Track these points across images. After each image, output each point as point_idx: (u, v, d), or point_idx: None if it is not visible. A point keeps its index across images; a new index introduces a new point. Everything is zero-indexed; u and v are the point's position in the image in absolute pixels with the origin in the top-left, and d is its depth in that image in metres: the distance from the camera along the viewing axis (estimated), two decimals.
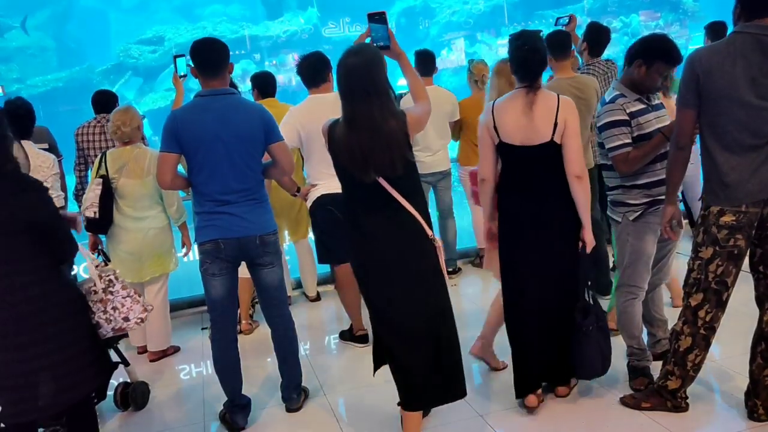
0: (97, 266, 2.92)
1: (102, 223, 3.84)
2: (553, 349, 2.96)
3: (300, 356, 3.91)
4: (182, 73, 4.30)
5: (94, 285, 2.78)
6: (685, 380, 2.77)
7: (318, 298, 5.01)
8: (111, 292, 2.83)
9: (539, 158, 2.81)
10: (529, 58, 2.80)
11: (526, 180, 2.87)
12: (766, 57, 2.41)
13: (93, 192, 3.80)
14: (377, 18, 2.73)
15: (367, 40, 2.77)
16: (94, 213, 3.78)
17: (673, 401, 2.81)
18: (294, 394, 3.26)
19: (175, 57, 4.38)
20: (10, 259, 2.35)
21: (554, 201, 2.83)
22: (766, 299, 2.65)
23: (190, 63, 3.00)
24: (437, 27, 14.21)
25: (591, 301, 2.90)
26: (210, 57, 2.92)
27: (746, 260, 2.65)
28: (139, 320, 2.91)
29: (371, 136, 2.46)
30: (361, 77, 2.47)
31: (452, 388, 2.70)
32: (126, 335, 3.40)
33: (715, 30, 5.37)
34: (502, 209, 2.96)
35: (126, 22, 14.40)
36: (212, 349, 3.14)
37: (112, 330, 2.82)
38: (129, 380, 3.49)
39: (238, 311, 4.26)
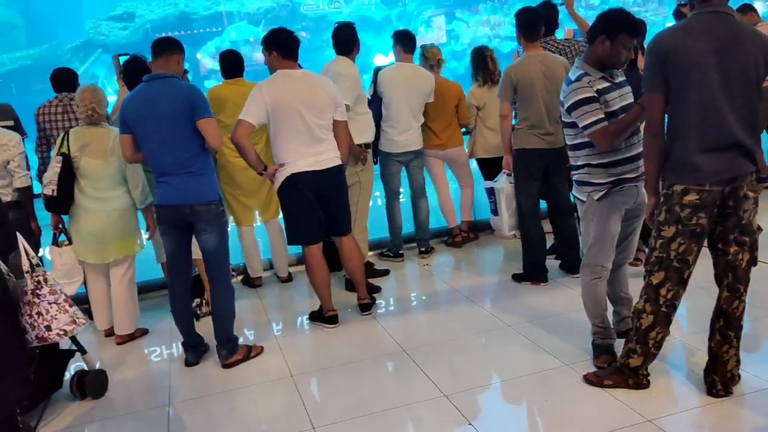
0: (35, 264, 2.70)
1: (61, 202, 3.79)
2: None
3: (270, 338, 3.94)
4: None
5: (26, 285, 2.59)
6: (646, 357, 2.80)
7: (289, 278, 4.98)
8: (38, 295, 2.65)
9: None
10: None
11: None
12: (732, 32, 2.45)
13: (53, 170, 3.74)
14: None
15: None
16: (53, 191, 3.74)
17: (635, 378, 2.84)
18: (223, 351, 3.56)
19: (117, 57, 4.28)
20: None
21: None
22: (725, 276, 2.68)
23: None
24: (414, 3, 14.04)
25: None
26: (160, 43, 3.44)
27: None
28: (62, 332, 2.70)
29: None
30: None
31: None
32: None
33: (682, 14, 5.38)
34: None
35: None
36: (168, 296, 3.66)
37: (36, 338, 2.61)
38: (86, 368, 3.37)
39: (205, 293, 4.27)
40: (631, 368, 2.83)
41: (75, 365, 3.57)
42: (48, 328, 2.66)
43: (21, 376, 2.25)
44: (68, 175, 3.74)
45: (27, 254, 2.68)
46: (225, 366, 3.55)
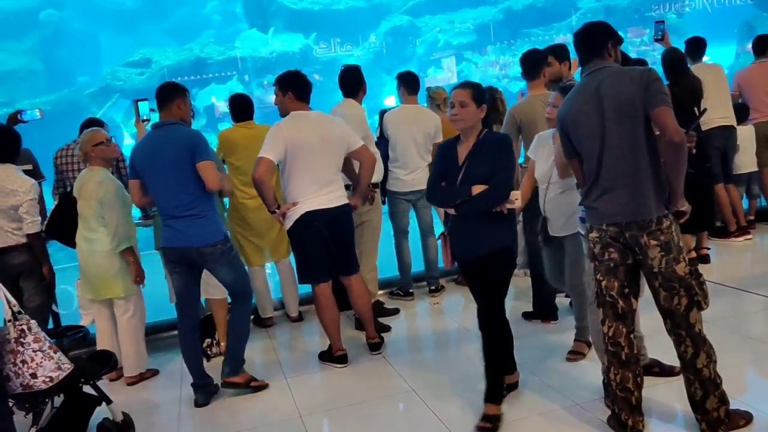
0: (16, 312, 2.71)
1: (54, 237, 4.08)
2: None
3: (280, 377, 3.93)
4: (144, 117, 4.30)
5: (9, 333, 2.62)
6: (616, 402, 2.77)
7: (300, 318, 4.99)
8: (22, 344, 2.65)
9: None
10: None
11: None
12: (599, 81, 2.65)
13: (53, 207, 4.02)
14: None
15: None
16: (43, 227, 3.98)
17: (619, 426, 2.79)
18: (227, 368, 3.66)
19: (137, 101, 4.37)
20: None
21: None
22: (665, 322, 2.70)
23: (153, 107, 3.51)
24: (424, 46, 14.34)
25: None
26: (158, 95, 3.57)
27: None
28: (48, 379, 2.68)
29: None
30: None
31: None
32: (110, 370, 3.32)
33: (691, 46, 5.47)
34: None
35: (116, 44, 14.48)
36: (178, 335, 3.74)
37: (20, 386, 2.62)
38: (112, 417, 3.23)
39: (216, 333, 4.31)
40: (612, 414, 2.84)
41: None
42: (33, 375, 2.66)
43: (3, 428, 2.27)
44: (64, 212, 3.96)
45: (8, 303, 2.70)
46: (224, 384, 3.62)
